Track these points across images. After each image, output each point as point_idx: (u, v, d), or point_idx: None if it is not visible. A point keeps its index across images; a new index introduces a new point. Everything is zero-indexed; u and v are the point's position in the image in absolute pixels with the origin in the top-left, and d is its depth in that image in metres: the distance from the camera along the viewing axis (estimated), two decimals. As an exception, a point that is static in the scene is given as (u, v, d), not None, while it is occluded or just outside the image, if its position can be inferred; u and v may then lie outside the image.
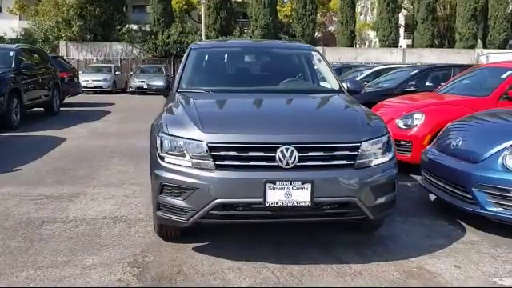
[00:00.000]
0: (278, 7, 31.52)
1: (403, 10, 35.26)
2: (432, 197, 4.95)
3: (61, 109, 13.16)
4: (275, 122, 3.38)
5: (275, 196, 3.02)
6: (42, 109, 12.15)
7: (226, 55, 4.95)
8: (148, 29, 28.48)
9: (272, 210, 3.07)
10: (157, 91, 4.49)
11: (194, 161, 3.12)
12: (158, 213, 3.30)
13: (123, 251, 3.51)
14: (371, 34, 46.54)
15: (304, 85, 4.55)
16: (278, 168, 3.06)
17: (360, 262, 3.36)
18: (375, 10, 37.80)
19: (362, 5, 48.78)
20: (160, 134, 3.33)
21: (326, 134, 3.21)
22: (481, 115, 4.77)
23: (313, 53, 4.86)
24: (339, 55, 28.70)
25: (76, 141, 8.51)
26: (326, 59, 4.76)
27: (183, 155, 3.18)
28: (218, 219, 3.17)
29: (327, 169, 3.12)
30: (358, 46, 36.85)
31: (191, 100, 3.78)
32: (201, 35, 27.15)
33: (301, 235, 3.83)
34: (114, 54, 27.34)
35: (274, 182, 3.01)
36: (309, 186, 3.02)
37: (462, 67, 9.49)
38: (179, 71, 4.40)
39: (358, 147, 3.18)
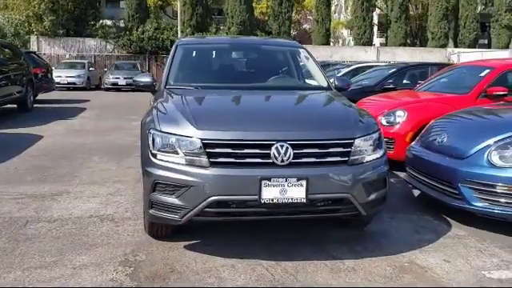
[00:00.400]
0: (253, 4, 31.48)
1: (377, 9, 35.71)
2: (416, 192, 5.04)
3: (34, 106, 12.84)
4: (269, 119, 3.36)
5: (270, 193, 3.01)
6: (15, 106, 11.82)
7: (213, 52, 4.91)
8: (122, 24, 28.06)
9: (267, 207, 3.07)
10: (143, 87, 4.42)
11: (188, 158, 3.08)
12: (150, 211, 3.25)
13: (113, 250, 3.44)
14: (345, 32, 47.10)
15: (292, 82, 4.56)
16: (272, 165, 3.05)
17: (352, 257, 3.39)
18: (349, 8, 38.28)
19: (336, 3, 49.21)
20: (151, 131, 3.27)
21: (321, 131, 3.22)
22: (463, 113, 4.87)
23: (300, 50, 4.86)
24: (315, 53, 28.40)
25: (53, 138, 8.31)
26: (313, 56, 4.78)
27: (176, 152, 3.13)
28: (212, 217, 3.14)
29: (321, 165, 3.12)
30: (332, 44, 37.14)
31: (181, 96, 3.73)
32: (176, 31, 26.89)
33: (292, 232, 3.82)
34: (87, 50, 26.82)
35: (269, 179, 3.00)
36: (304, 182, 3.03)
37: (439, 66, 9.68)
38: (166, 67, 4.33)
39: (352, 144, 3.20)
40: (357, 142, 3.22)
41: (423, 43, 34.97)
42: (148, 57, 26.87)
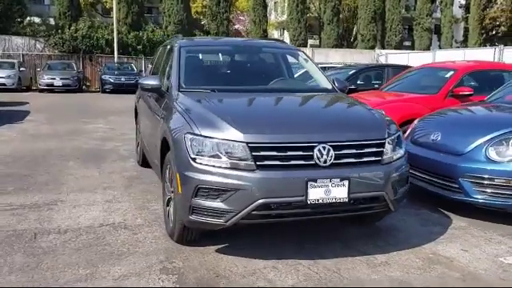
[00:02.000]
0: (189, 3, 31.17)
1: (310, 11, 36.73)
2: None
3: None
4: (307, 122, 3.43)
5: (316, 194, 3.09)
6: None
7: (219, 54, 4.88)
8: (53, 22, 26.58)
9: (312, 208, 3.14)
10: (151, 90, 4.30)
11: (233, 161, 3.08)
12: (190, 217, 3.19)
13: (146, 259, 3.35)
14: (276, 33, 47.92)
15: (302, 84, 4.66)
16: (316, 166, 3.14)
17: (380, 252, 3.55)
18: (279, 9, 39.02)
19: (268, 5, 49.95)
20: (188, 136, 3.22)
21: (357, 132, 3.35)
22: (449, 112, 5.24)
23: (299, 53, 4.97)
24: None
25: (10, 144, 7.79)
26: (311, 59, 4.90)
27: (218, 156, 3.12)
28: (257, 219, 3.16)
29: (360, 165, 3.26)
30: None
31: (207, 100, 3.70)
32: (112, 30, 25.94)
33: (315, 231, 3.92)
34: (14, 49, 25.09)
35: (315, 180, 3.08)
36: (346, 182, 3.14)
37: (395, 67, 10.23)
38: (174, 70, 4.22)
39: (384, 144, 3.37)
40: (387, 141, 3.39)
41: (350, 45, 36.47)
42: (82, 56, 25.67)
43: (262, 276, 3.12)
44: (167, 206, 3.79)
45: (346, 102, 4.09)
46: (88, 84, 25.67)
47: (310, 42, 40.40)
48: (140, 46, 26.88)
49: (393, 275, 3.19)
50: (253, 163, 3.07)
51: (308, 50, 31.98)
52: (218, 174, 3.09)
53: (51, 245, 3.58)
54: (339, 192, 3.14)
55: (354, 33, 37.27)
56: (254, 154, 3.07)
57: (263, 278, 3.09)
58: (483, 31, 37.02)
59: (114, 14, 26.42)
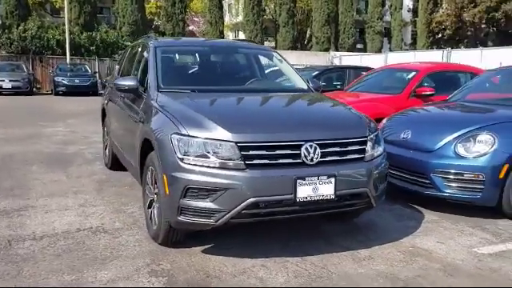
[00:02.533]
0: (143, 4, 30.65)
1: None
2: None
3: None
4: (293, 121, 3.48)
5: (304, 191, 3.14)
6: None
7: (195, 55, 4.84)
8: (-1, 22, 25.43)
9: (300, 205, 3.19)
10: (127, 91, 4.22)
11: (222, 161, 3.08)
12: (179, 218, 3.16)
13: (132, 262, 3.28)
14: (231, 35, 47.97)
15: (278, 84, 4.70)
16: (303, 164, 3.19)
17: (363, 247, 3.65)
18: (233, 11, 39.10)
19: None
20: (175, 136, 3.20)
21: (341, 131, 3.43)
22: (418, 110, 5.45)
23: (274, 53, 5.02)
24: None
25: (-35, 149, 7.39)
26: (286, 60, 4.97)
27: (207, 156, 3.11)
28: (246, 218, 3.17)
29: (344, 163, 3.34)
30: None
31: (189, 100, 3.68)
32: (63, 30, 25.11)
33: (298, 229, 3.97)
34: (-43, 49, 23.82)
35: (303, 178, 3.13)
36: (333, 179, 3.21)
37: (356, 69, 10.51)
38: (152, 70, 4.15)
39: (366, 141, 3.47)
40: (369, 139, 3.49)
41: (303, 47, 37.05)
42: (32, 57, 24.68)
43: (253, 274, 3.14)
44: (149, 208, 3.73)
45: (325, 101, 4.17)
46: (39, 86, 24.69)
47: (266, 43, 40.76)
48: (93, 47, 26.17)
49: (378, 269, 3.28)
50: (242, 162, 3.08)
51: (264, 52, 32.28)
52: (207, 173, 3.08)
53: (29, 251, 3.44)
54: (326, 189, 3.20)
55: (308, 35, 37.87)
56: (243, 153, 3.09)
57: (254, 277, 3.11)
58: (430, 34, 38.65)
59: (66, 13, 25.57)
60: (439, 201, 4.56)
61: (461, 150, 4.40)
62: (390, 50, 36.06)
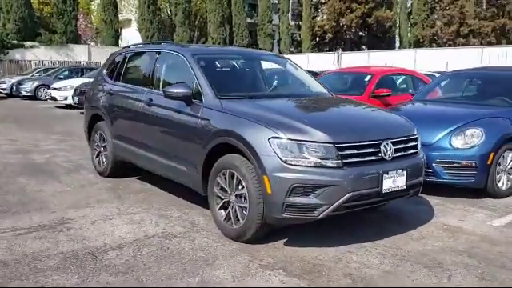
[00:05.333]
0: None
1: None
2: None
3: None
4: (367, 123, 3.95)
5: (387, 184, 3.64)
6: None
7: (232, 62, 4.99)
8: None
9: (383, 197, 3.68)
10: (177, 98, 4.28)
11: (321, 161, 3.44)
12: (284, 214, 3.45)
13: (235, 260, 3.47)
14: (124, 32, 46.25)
15: (309, 89, 5.05)
16: (383, 161, 3.68)
17: (408, 229, 4.24)
18: (124, 10, 37.87)
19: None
20: (274, 140, 3.47)
21: (401, 130, 3.99)
22: (409, 108, 6.24)
23: (289, 60, 5.41)
24: (106, 55, 27.92)
25: None
26: (300, 66, 5.39)
27: (308, 157, 3.44)
28: (340, 210, 3.55)
29: (408, 157, 3.91)
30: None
31: (261, 105, 3.97)
32: None
33: (350, 221, 4.33)
34: None
35: (387, 173, 3.63)
36: (405, 172, 3.76)
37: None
38: (202, 78, 4.23)
39: (417, 138, 4.08)
40: (418, 136, 4.12)
41: (202, 47, 37.33)
42: None
43: (350, 259, 3.53)
44: (221, 209, 3.93)
45: (365, 104, 4.71)
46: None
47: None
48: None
49: (438, 245, 3.90)
50: (340, 161, 3.47)
51: (162, 52, 31.86)
52: (310, 172, 3.41)
53: (123, 261, 3.44)
54: (401, 181, 3.74)
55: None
56: (340, 153, 3.48)
57: (354, 261, 3.51)
58: (313, 37, 41.50)
59: None
60: (431, 186, 5.32)
61: (454, 142, 5.25)
62: (280, 52, 37.95)
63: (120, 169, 5.78)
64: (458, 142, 5.26)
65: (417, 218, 4.58)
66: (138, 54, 5.60)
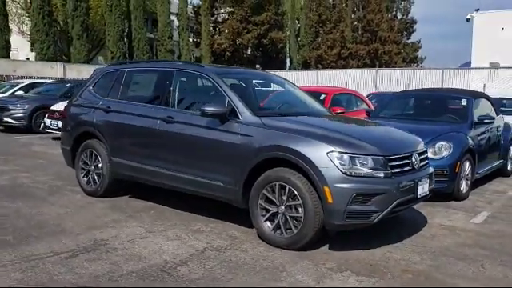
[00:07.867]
0: None
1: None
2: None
3: None
4: (399, 137, 4.51)
5: (420, 190, 4.23)
6: None
7: (252, 82, 5.18)
8: None
9: (415, 201, 4.25)
10: (213, 116, 4.43)
11: (377, 172, 3.90)
12: (345, 221, 3.82)
13: (304, 266, 3.74)
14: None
15: (318, 108, 5.45)
16: (414, 170, 4.25)
17: (419, 229, 4.87)
18: (16, 19, 35.26)
19: None
20: (333, 154, 3.85)
21: (420, 144, 4.61)
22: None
23: (288, 81, 5.82)
24: (-3, 68, 25.63)
25: None
26: (296, 85, 5.83)
27: (361, 169, 3.87)
28: (389, 215, 4.02)
29: (425, 167, 4.52)
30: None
31: (304, 122, 4.35)
32: None
33: (375, 225, 4.80)
34: None
35: (420, 180, 4.21)
36: (428, 179, 4.38)
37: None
38: (234, 97, 4.45)
39: (426, 151, 4.74)
40: (426, 150, 4.78)
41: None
42: None
43: (398, 257, 4.00)
44: (266, 220, 4.17)
45: (377, 123, 5.28)
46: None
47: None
48: None
49: (452, 241, 4.53)
50: (390, 171, 3.96)
51: (59, 66, 30.05)
52: (368, 182, 3.85)
53: (198, 275, 3.52)
54: (426, 187, 4.35)
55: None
56: (389, 164, 3.97)
57: (401, 259, 3.97)
58: (213, 55, 42.27)
59: None
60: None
61: (430, 153, 6.06)
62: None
63: (115, 187, 5.64)
64: (432, 153, 6.07)
65: (415, 221, 5.22)
66: (142, 72, 5.57)
